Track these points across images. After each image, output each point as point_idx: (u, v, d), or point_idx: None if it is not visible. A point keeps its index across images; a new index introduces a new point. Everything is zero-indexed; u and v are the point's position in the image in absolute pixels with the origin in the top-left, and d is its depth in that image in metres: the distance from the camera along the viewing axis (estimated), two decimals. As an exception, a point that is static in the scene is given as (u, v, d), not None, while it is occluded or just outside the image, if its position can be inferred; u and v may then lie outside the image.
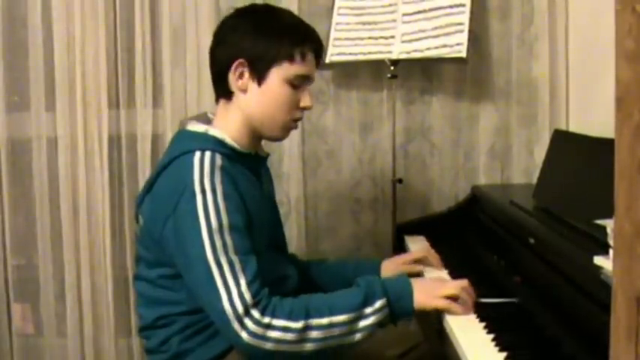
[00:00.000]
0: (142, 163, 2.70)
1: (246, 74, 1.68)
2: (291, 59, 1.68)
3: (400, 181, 2.55)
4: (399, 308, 1.59)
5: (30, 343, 2.82)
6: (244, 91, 1.69)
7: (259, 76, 1.67)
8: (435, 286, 1.63)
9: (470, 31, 2.43)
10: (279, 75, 1.68)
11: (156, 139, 2.72)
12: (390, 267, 1.98)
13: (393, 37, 2.53)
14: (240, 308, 1.49)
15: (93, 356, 2.75)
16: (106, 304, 2.74)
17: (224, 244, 1.53)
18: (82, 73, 2.67)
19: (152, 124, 2.71)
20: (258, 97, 1.69)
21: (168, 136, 2.66)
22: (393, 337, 1.97)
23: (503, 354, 1.36)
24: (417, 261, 1.99)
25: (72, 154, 2.70)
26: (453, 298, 1.60)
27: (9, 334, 2.79)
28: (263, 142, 1.84)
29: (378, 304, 1.57)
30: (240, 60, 1.66)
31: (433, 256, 2.01)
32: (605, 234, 1.28)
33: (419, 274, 1.94)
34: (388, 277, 1.71)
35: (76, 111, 2.68)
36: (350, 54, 2.55)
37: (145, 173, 2.68)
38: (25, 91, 2.72)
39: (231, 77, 1.68)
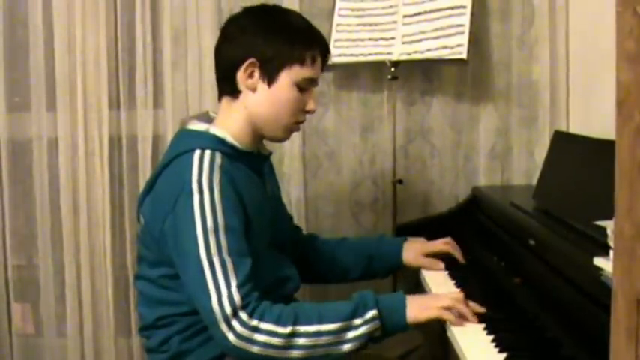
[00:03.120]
0: (143, 163, 2.70)
1: (256, 74, 1.68)
2: (302, 62, 1.69)
3: (400, 182, 2.55)
4: (392, 322, 1.57)
5: (30, 343, 2.82)
6: (253, 90, 1.69)
7: (270, 77, 1.69)
8: (429, 299, 1.63)
9: (470, 33, 2.43)
10: (289, 77, 1.69)
11: (157, 140, 2.72)
12: (411, 254, 2.01)
13: (393, 38, 2.53)
14: (228, 309, 1.50)
15: (93, 356, 2.75)
16: (106, 304, 2.74)
17: (218, 245, 1.54)
18: (83, 74, 2.67)
19: (153, 125, 2.71)
20: (266, 98, 1.70)
21: (169, 137, 2.65)
22: (393, 339, 1.98)
23: (503, 355, 1.36)
24: (438, 253, 2.02)
25: (72, 155, 2.70)
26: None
27: (9, 334, 2.79)
28: (265, 142, 1.84)
29: (369, 314, 1.55)
30: (252, 60, 1.67)
31: (455, 248, 2.04)
32: (605, 235, 1.28)
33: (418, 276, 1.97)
34: (383, 293, 1.66)
35: (77, 111, 2.68)
36: (351, 55, 2.56)
37: (145, 174, 2.68)
38: (26, 91, 2.72)
39: (241, 76, 1.69)
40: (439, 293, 1.69)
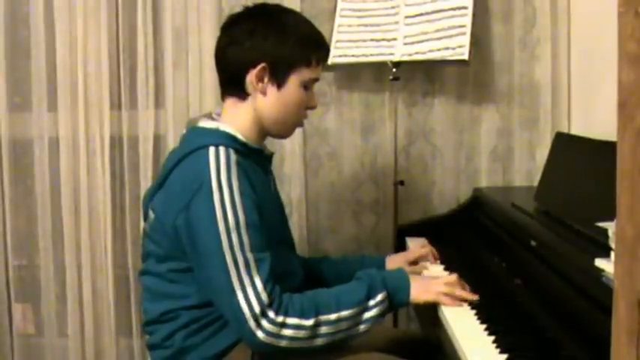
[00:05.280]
0: (144, 164, 2.70)
1: (266, 78, 1.70)
2: (308, 64, 1.73)
3: (402, 182, 2.55)
4: (397, 301, 1.67)
5: (31, 343, 2.83)
6: (263, 93, 1.71)
7: (280, 80, 1.71)
8: (428, 283, 1.71)
9: (472, 34, 2.43)
10: (297, 79, 1.72)
11: (158, 140, 2.72)
12: (394, 266, 2.00)
13: (395, 39, 2.53)
14: (257, 308, 1.54)
15: (94, 356, 2.76)
16: (107, 304, 2.74)
17: (241, 242, 1.56)
18: (84, 74, 2.68)
19: (154, 125, 2.71)
20: (276, 100, 1.72)
21: (170, 137, 2.66)
22: (394, 337, 1.99)
23: (504, 356, 1.36)
24: (420, 258, 2.05)
25: (74, 155, 2.71)
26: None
27: (10, 334, 2.80)
28: (265, 141, 1.85)
29: (380, 296, 1.64)
30: (263, 65, 1.69)
31: (433, 253, 2.07)
32: (607, 236, 1.29)
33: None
34: (388, 271, 1.79)
35: (78, 112, 2.69)
36: (352, 56, 2.55)
37: (146, 174, 2.69)
38: (28, 91, 2.72)
39: (251, 79, 1.70)
40: (437, 277, 1.78)
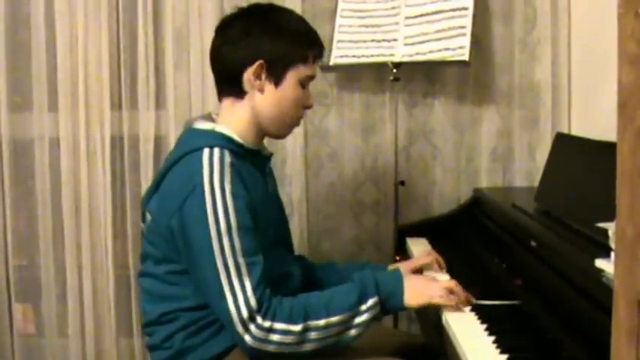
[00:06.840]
0: (145, 164, 2.70)
1: (264, 75, 1.71)
2: (305, 61, 1.74)
3: (402, 183, 2.55)
4: (389, 305, 1.65)
5: (31, 343, 2.83)
6: (261, 91, 1.71)
7: (277, 77, 1.71)
8: (425, 286, 1.68)
9: (472, 35, 2.43)
10: (294, 77, 1.73)
11: (158, 140, 2.72)
12: None
13: (395, 39, 2.53)
14: (245, 313, 1.54)
15: (94, 356, 2.76)
16: (108, 305, 2.74)
17: (232, 246, 1.56)
18: (85, 74, 2.67)
19: (155, 126, 2.71)
20: (274, 98, 1.72)
21: (171, 137, 2.66)
22: (395, 339, 1.98)
23: (505, 356, 1.36)
24: (424, 266, 2.00)
25: (74, 155, 2.70)
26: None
27: (10, 335, 2.80)
28: (267, 143, 1.85)
29: (371, 301, 1.62)
30: (260, 62, 1.69)
31: (438, 261, 2.02)
32: (607, 237, 1.29)
33: None
34: (383, 273, 1.74)
35: (79, 112, 2.68)
36: (353, 56, 2.56)
37: (147, 174, 2.69)
38: (28, 91, 2.72)
39: (248, 77, 1.71)
40: (435, 279, 1.75)
